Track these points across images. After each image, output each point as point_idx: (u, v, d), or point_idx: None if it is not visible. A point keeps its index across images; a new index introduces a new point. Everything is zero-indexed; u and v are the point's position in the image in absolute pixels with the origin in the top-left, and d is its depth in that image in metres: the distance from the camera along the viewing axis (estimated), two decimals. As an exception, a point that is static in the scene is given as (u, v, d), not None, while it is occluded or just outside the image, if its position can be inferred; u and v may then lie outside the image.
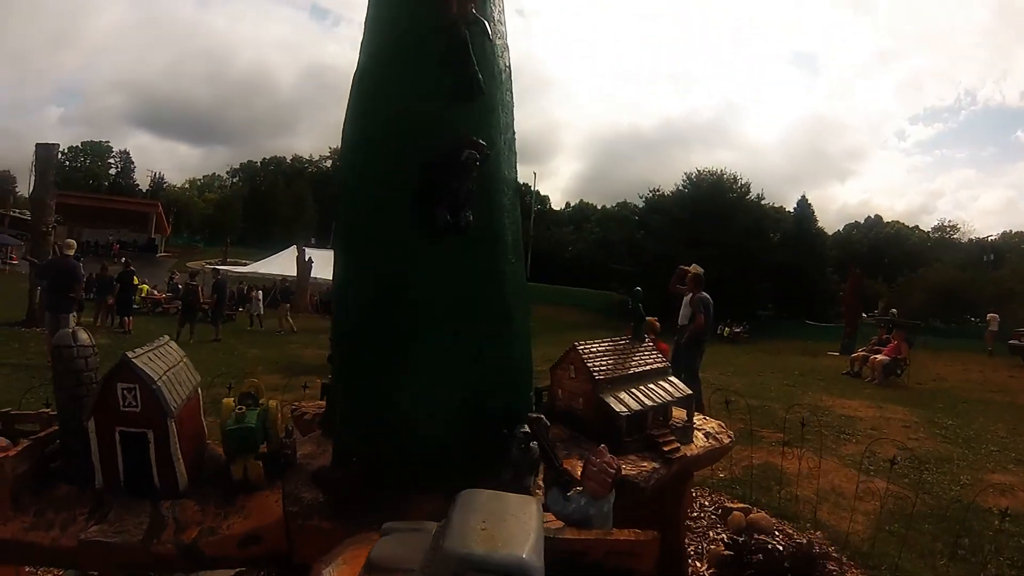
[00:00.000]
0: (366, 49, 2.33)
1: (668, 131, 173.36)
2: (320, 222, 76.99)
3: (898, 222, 78.81)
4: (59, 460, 2.14)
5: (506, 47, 2.53)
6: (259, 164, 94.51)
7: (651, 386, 3.06)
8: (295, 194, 78.90)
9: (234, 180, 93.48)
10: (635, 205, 54.68)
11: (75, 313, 10.50)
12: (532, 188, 77.28)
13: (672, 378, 3.29)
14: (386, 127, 2.22)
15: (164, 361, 2.11)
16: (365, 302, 2.22)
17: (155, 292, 23.79)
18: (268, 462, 2.18)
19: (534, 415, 2.24)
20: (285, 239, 48.86)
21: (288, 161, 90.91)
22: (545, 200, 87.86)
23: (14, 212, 50.62)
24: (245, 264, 40.33)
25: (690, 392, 3.25)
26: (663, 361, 3.39)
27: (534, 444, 2.05)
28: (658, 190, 47.22)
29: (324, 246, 55.68)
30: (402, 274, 2.15)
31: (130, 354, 1.95)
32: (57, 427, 2.17)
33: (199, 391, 2.39)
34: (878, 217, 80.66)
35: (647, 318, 6.42)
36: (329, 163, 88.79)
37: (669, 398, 3.06)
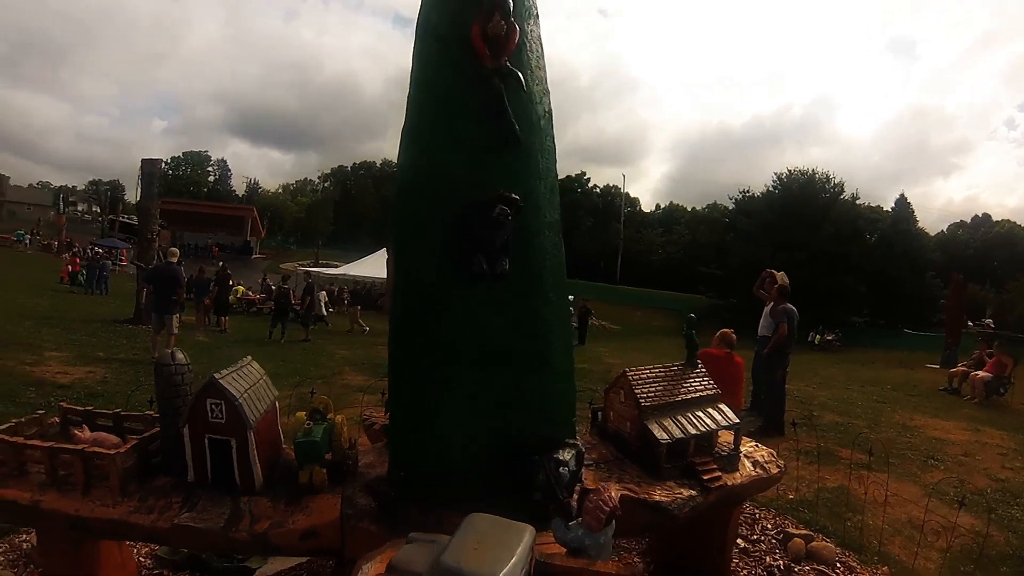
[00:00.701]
0: (411, 104, 2.54)
1: (759, 130, 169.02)
2: None
3: (1009, 221, 70.37)
4: (159, 457, 2.52)
5: (546, 91, 2.69)
6: (349, 169, 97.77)
7: (698, 414, 3.12)
8: (384, 197, 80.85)
9: (325, 184, 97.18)
10: (725, 207, 53.00)
11: (178, 314, 11.53)
12: (622, 190, 76.81)
13: (722, 406, 3.31)
14: (428, 176, 2.44)
15: (246, 380, 2.45)
16: (405, 336, 2.46)
17: (249, 293, 25.12)
18: (331, 470, 2.49)
19: (570, 444, 2.43)
20: (375, 241, 50.50)
21: (378, 165, 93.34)
22: (635, 202, 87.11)
23: (123, 218, 54.65)
24: (336, 266, 42.00)
25: (737, 421, 3.25)
26: (713, 388, 3.40)
27: (563, 470, 2.23)
28: (748, 191, 45.56)
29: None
30: (437, 314, 2.37)
31: (217, 375, 2.29)
32: (159, 429, 2.54)
33: (276, 404, 2.71)
34: (986, 216, 73.13)
35: (723, 330, 6.47)
36: None
37: (714, 426, 3.10)
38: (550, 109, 2.74)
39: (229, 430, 2.31)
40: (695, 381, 3.34)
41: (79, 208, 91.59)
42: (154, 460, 2.54)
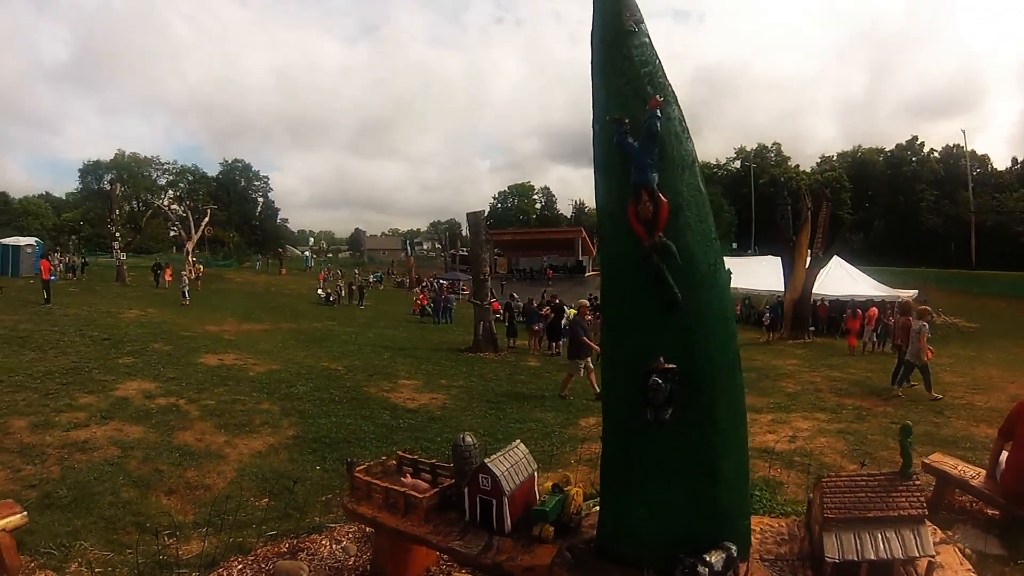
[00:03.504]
0: (601, 270, 3.46)
1: None
2: (739, 226, 77.07)
3: None
4: (454, 498, 3.89)
5: (712, 242, 3.18)
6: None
7: (887, 535, 2.98)
8: (709, 200, 79.12)
9: None
10: None
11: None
12: (965, 150, 64.09)
13: (924, 530, 3.01)
14: (615, 339, 3.35)
15: (509, 460, 3.70)
16: (607, 455, 3.43)
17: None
18: (559, 528, 3.60)
19: (723, 547, 2.98)
20: None
21: None
22: (984, 160, 71.51)
23: (463, 251, 62.33)
24: None
25: (932, 554, 2.99)
26: (920, 508, 3.06)
27: (702, 569, 2.85)
28: None
29: (743, 253, 55.72)
30: (629, 441, 3.25)
31: (488, 460, 3.58)
32: (453, 483, 3.92)
33: (535, 475, 3.90)
34: None
35: None
36: (738, 163, 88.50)
37: (898, 555, 2.93)
38: (718, 262, 3.19)
39: (493, 494, 3.57)
40: (901, 497, 3.09)
41: (424, 247, 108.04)
42: (452, 500, 3.90)
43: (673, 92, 3.20)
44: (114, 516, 5.68)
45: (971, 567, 3.18)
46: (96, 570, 4.68)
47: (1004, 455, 5.50)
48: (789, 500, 5.92)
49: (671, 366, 2.94)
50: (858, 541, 2.96)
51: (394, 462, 4.51)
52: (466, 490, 3.69)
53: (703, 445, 3.10)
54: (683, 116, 3.20)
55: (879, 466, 7.02)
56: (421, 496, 3.81)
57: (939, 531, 3.50)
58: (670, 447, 3.10)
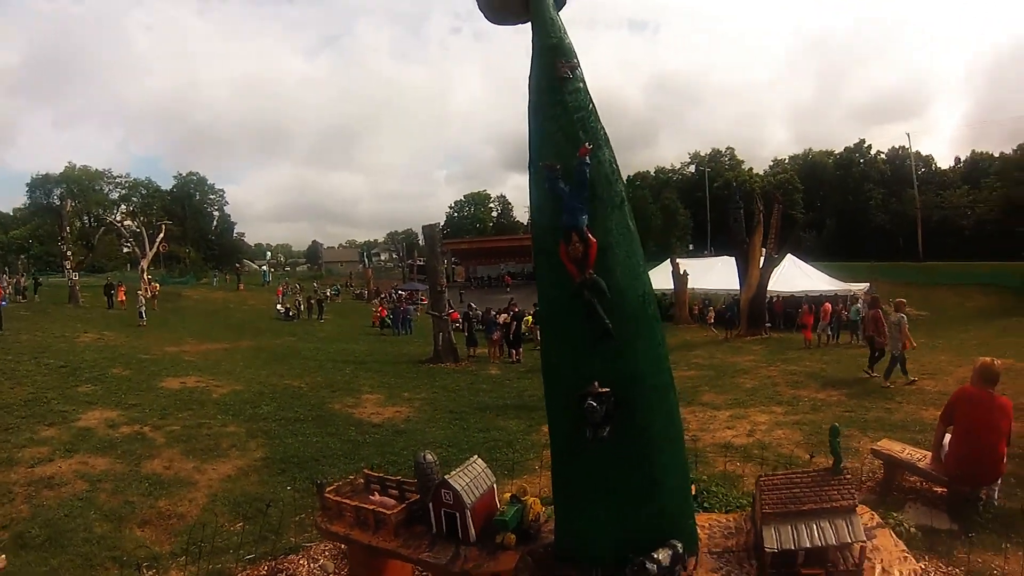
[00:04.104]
0: (541, 302, 3.71)
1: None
2: (695, 228, 79.15)
3: None
4: (420, 513, 4.14)
5: (639, 274, 3.44)
6: (625, 182, 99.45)
7: (823, 526, 3.24)
8: (664, 205, 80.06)
9: None
10: None
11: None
12: (910, 150, 67.03)
13: (854, 518, 3.29)
14: (551, 366, 3.64)
15: (468, 474, 3.96)
16: (556, 471, 3.76)
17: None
18: (520, 535, 3.87)
19: (669, 545, 3.26)
20: (660, 251, 51.25)
21: (652, 174, 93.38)
22: (928, 161, 75.70)
23: (420, 261, 62.57)
24: None
25: (864, 539, 3.28)
26: (850, 499, 3.37)
27: (650, 566, 3.14)
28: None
29: (699, 254, 56.83)
30: (571, 461, 3.58)
31: (448, 476, 3.85)
32: (419, 498, 4.18)
33: (494, 488, 4.15)
34: None
35: (983, 360, 5.88)
36: (692, 168, 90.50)
37: (832, 542, 3.19)
38: (646, 294, 3.44)
39: (455, 507, 3.83)
40: (833, 490, 3.40)
41: (382, 258, 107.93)
42: (418, 514, 4.16)
43: (605, 134, 3.48)
44: (90, 552, 5.73)
45: (905, 547, 3.51)
46: (79, 609, 4.80)
47: (947, 438, 6.04)
48: (746, 493, 6.25)
49: (605, 390, 3.23)
50: (795, 532, 3.24)
51: (362, 480, 4.72)
52: (430, 505, 3.94)
53: (641, 458, 3.41)
54: (614, 158, 3.49)
55: (831, 455, 7.49)
56: (389, 512, 4.04)
57: (876, 517, 3.82)
58: (611, 461, 3.41)
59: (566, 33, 3.49)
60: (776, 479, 3.60)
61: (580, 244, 3.15)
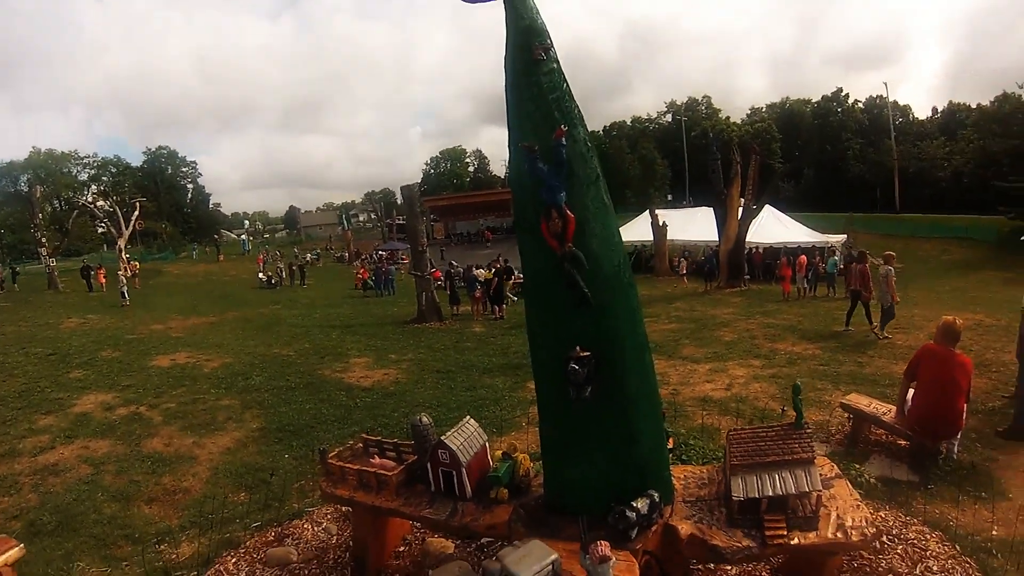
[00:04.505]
0: (526, 273, 3.94)
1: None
2: (673, 178, 79.01)
3: None
4: (419, 473, 4.37)
5: (615, 248, 3.69)
6: (602, 132, 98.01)
7: (784, 475, 3.60)
8: (642, 156, 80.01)
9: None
10: (1019, 96, 43.34)
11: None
12: (887, 100, 66.70)
13: (813, 469, 3.63)
14: (538, 329, 3.85)
15: (462, 434, 4.25)
16: (543, 428, 4.03)
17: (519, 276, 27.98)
18: (512, 489, 4.14)
19: (647, 495, 3.60)
20: (641, 202, 50.46)
21: (628, 124, 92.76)
22: (905, 110, 75.05)
23: (399, 219, 61.92)
24: None
25: (820, 488, 3.59)
26: (810, 452, 3.70)
27: (630, 513, 3.49)
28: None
29: (678, 205, 56.76)
30: (558, 417, 3.86)
31: (444, 437, 4.13)
32: (417, 459, 4.39)
33: (487, 446, 4.43)
34: None
35: (945, 319, 6.24)
36: (669, 117, 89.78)
37: (792, 491, 3.55)
38: (622, 263, 3.70)
39: (451, 466, 4.12)
40: (795, 443, 3.74)
41: (360, 218, 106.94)
42: (417, 474, 4.39)
43: (579, 113, 3.67)
44: (102, 533, 5.92)
45: (859, 497, 3.88)
46: (99, 587, 5.02)
47: (911, 393, 6.40)
48: (722, 446, 6.50)
49: (586, 353, 3.51)
50: (759, 481, 3.59)
51: (360, 445, 4.99)
52: (428, 465, 4.23)
53: (620, 415, 3.70)
54: (588, 136, 3.69)
55: (806, 407, 7.73)
56: (390, 474, 4.34)
57: (835, 468, 4.18)
58: (592, 419, 3.71)
59: (539, 12, 3.62)
60: (744, 433, 3.93)
61: (559, 220, 3.39)
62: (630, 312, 3.73)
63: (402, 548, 5.07)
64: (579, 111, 3.65)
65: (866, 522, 3.56)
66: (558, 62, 3.61)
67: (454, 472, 4.13)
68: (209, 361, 13.45)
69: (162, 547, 5.57)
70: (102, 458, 7.79)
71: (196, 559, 5.21)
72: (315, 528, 5.54)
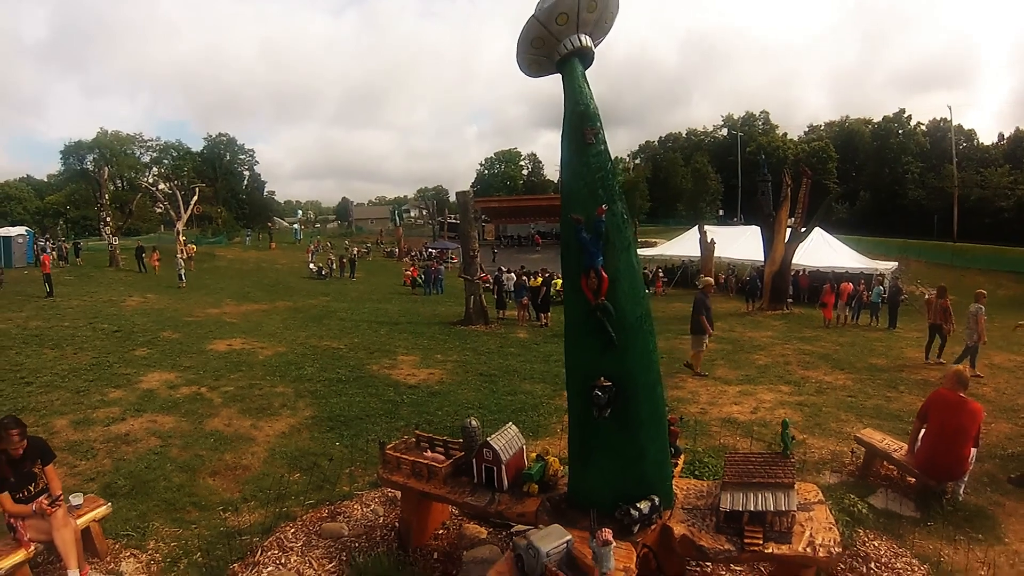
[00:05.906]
0: (567, 317, 4.65)
1: None
2: (725, 193, 78.25)
3: None
4: (463, 468, 4.99)
5: (641, 300, 4.45)
6: (656, 143, 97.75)
7: (766, 495, 4.19)
8: (695, 168, 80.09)
9: (636, 161, 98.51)
10: None
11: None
12: (951, 123, 63.25)
13: (791, 492, 4.19)
14: (572, 364, 4.61)
15: (504, 437, 5.05)
16: (571, 438, 4.77)
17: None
18: (541, 486, 4.78)
19: (649, 498, 4.31)
20: (691, 216, 49.44)
21: (683, 135, 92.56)
22: (970, 135, 72.59)
23: (451, 218, 62.70)
24: (654, 245, 43.75)
25: (794, 510, 4.14)
26: (791, 478, 4.27)
27: (633, 511, 4.21)
28: None
29: (729, 221, 55.72)
30: (584, 431, 4.60)
31: (489, 439, 4.89)
32: (463, 456, 5.01)
33: (524, 448, 5.15)
34: None
35: (955, 368, 6.90)
36: (725, 131, 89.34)
37: (771, 508, 4.13)
38: (644, 314, 4.39)
39: (494, 463, 4.89)
40: (779, 470, 4.34)
41: (412, 214, 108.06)
42: (462, 468, 5.04)
43: (619, 189, 4.40)
44: (172, 498, 6.60)
45: (834, 522, 4.33)
46: (172, 544, 5.76)
47: (922, 433, 6.82)
48: None
49: (608, 383, 4.31)
50: (744, 498, 4.21)
51: (413, 440, 5.78)
52: (474, 460, 5.01)
53: (631, 435, 4.43)
54: (624, 209, 4.42)
55: (826, 437, 8.43)
56: (441, 466, 5.16)
57: (819, 494, 4.73)
58: (610, 436, 4.46)
59: (592, 99, 4.35)
60: (738, 456, 4.61)
61: (596, 278, 4.17)
62: (647, 354, 4.46)
63: (441, 531, 5.83)
64: (620, 186, 4.39)
65: (834, 542, 4.05)
66: (605, 143, 4.34)
67: (495, 468, 4.91)
68: (263, 348, 14.45)
69: (226, 515, 6.27)
70: (169, 432, 8.58)
71: (257, 527, 5.87)
72: (364, 509, 6.25)
